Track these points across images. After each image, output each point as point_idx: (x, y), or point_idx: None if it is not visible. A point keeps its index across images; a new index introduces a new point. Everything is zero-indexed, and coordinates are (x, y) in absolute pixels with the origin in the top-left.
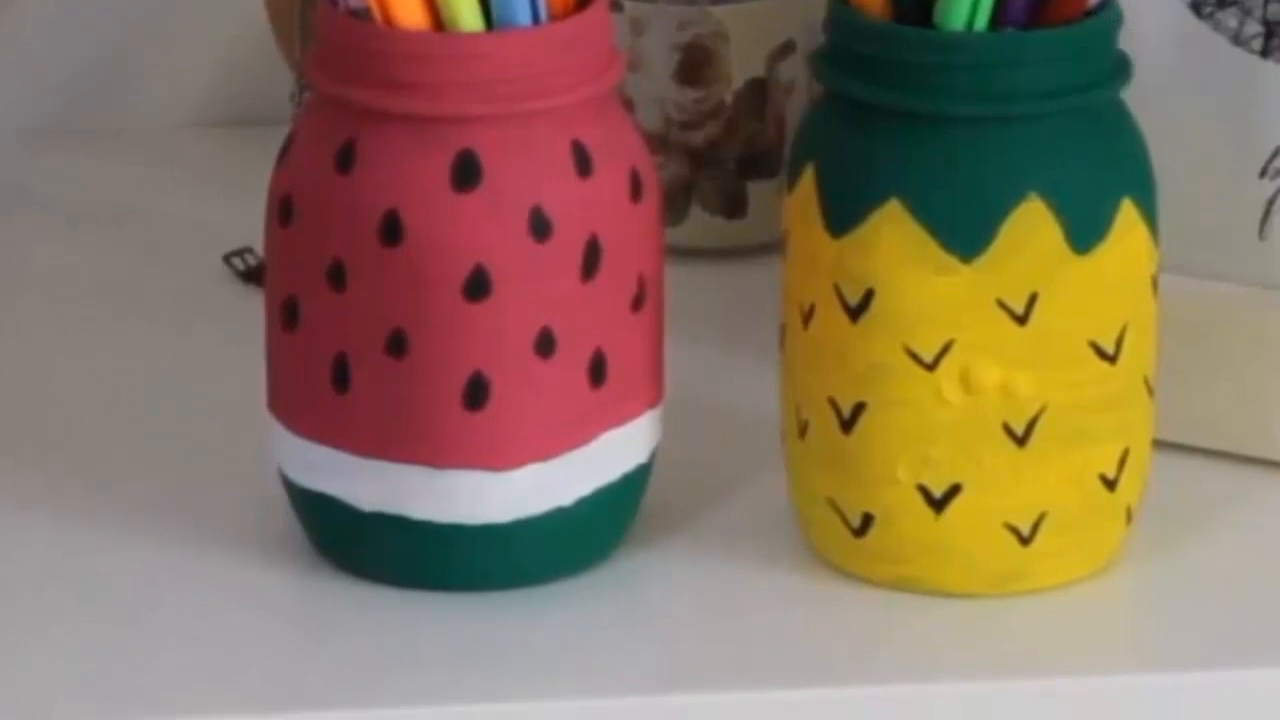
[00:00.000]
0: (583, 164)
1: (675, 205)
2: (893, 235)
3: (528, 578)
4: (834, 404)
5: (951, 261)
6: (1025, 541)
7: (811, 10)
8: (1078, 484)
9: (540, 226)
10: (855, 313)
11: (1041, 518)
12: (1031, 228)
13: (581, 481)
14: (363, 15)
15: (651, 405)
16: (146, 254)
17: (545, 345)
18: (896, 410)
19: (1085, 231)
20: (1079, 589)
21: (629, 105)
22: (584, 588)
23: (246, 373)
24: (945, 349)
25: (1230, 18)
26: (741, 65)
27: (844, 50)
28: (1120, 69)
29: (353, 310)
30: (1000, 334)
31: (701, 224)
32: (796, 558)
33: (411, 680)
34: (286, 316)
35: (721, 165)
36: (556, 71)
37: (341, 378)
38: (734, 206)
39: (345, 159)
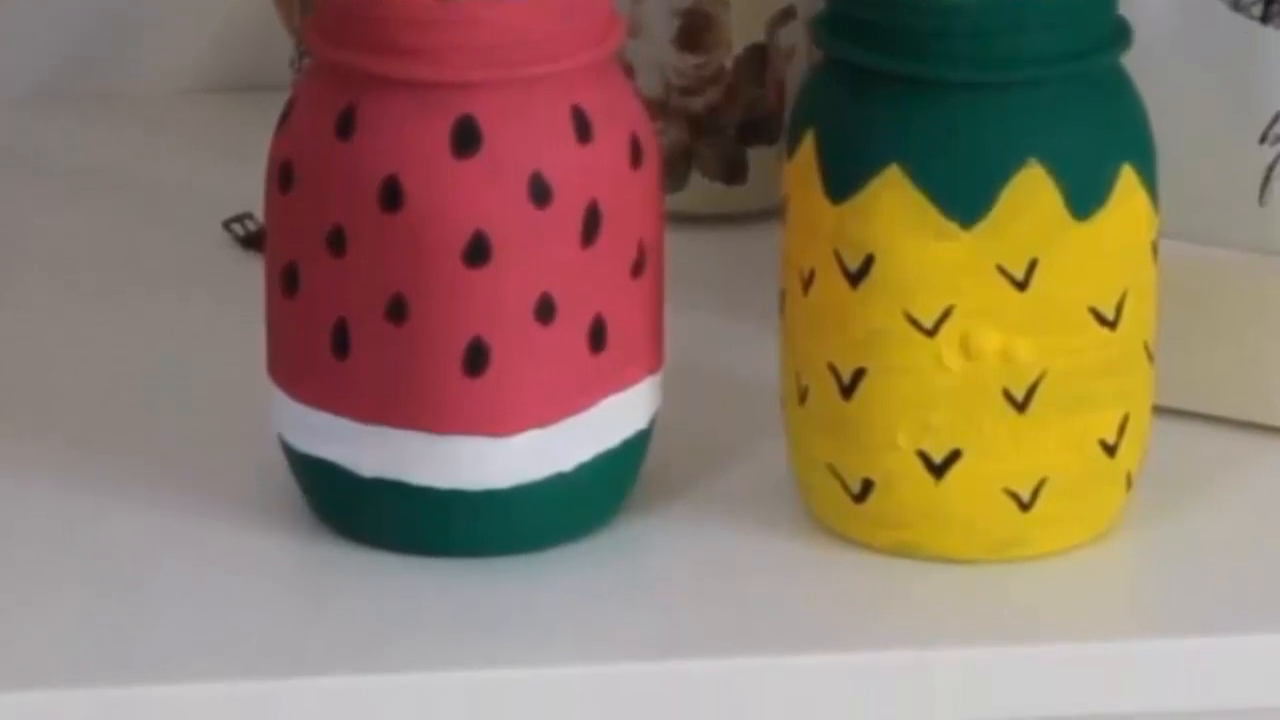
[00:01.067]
0: (583, 130)
1: (675, 171)
2: (893, 201)
3: (528, 544)
4: (834, 370)
5: (951, 227)
6: (1025, 507)
7: None
8: (1078, 450)
9: (540, 192)
10: (855, 278)
11: (1041, 483)
12: (1031, 194)
13: (581, 447)
14: None
15: (651, 371)
16: (146, 220)
17: (545, 311)
18: (896, 376)
19: (1085, 197)
20: (1079, 554)
21: (629, 71)
22: (584, 554)
23: (246, 339)
24: (945, 315)
25: None
26: (742, 31)
27: (844, 16)
28: (1120, 35)
29: (353, 276)
30: (1000, 300)
31: (701, 190)
32: (796, 524)
33: (411, 646)
34: (286, 282)
35: (721, 131)
36: (556, 37)
37: (341, 344)
38: (734, 172)
39: (345, 125)
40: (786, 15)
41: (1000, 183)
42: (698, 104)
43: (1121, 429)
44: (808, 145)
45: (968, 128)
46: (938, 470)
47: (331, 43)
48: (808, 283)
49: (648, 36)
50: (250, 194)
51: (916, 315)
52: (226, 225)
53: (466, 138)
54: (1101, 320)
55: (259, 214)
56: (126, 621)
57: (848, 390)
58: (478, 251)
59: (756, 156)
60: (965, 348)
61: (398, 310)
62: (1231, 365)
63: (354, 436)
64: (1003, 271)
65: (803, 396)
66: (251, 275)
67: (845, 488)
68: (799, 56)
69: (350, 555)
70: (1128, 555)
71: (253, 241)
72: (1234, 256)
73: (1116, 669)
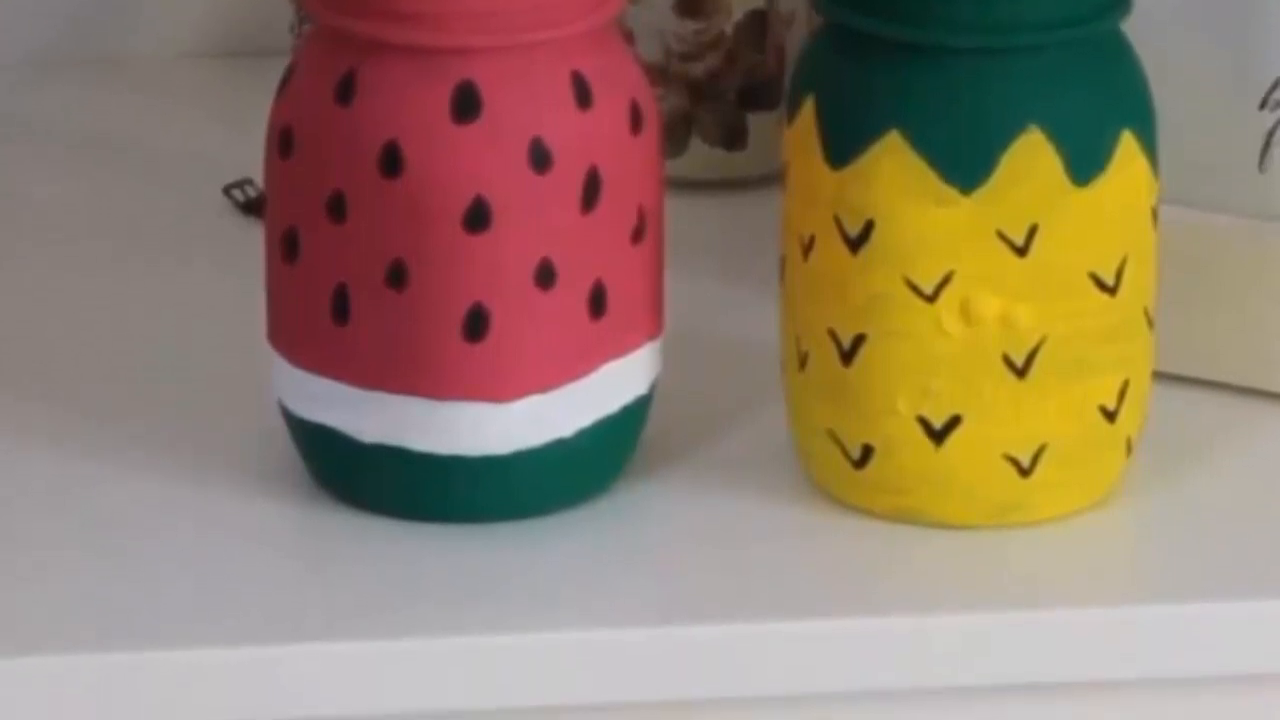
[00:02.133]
0: (583, 95)
1: (675, 137)
2: (893, 167)
3: (528, 509)
4: (834, 335)
5: (951, 193)
6: (1025, 473)
7: None
8: (1078, 415)
9: (540, 158)
10: (855, 244)
11: (1041, 449)
12: (1031, 159)
13: (581, 413)
14: None
15: (651, 337)
16: (146, 186)
17: (545, 277)
18: (896, 342)
19: (1085, 163)
20: (1079, 520)
21: (629, 37)
22: (584, 519)
23: (246, 305)
24: (945, 280)
25: None
26: None
27: None
28: (1120, 1)
29: (353, 242)
30: (1000, 265)
31: (701, 155)
32: (796, 489)
33: (411, 612)
34: (286, 248)
35: (721, 97)
36: (556, 3)
37: (341, 309)
38: (734, 138)
39: (345, 90)
40: None
41: (1000, 148)
42: (698, 70)
43: (1121, 395)
44: (807, 111)
45: (968, 93)
46: (938, 436)
47: (331, 8)
48: (808, 248)
49: (648, 2)
50: (250, 160)
51: (916, 281)
52: (226, 191)
53: (466, 103)
54: (1102, 286)
55: (259, 180)
56: (126, 588)
57: (848, 356)
58: (478, 217)
59: (756, 122)
60: (965, 313)
61: (398, 276)
62: (1231, 331)
63: (354, 402)
64: (1003, 237)
65: (803, 362)
66: (251, 241)
67: (845, 453)
68: (799, 22)
69: (350, 521)
70: (1127, 521)
71: (253, 207)
72: (1234, 222)
73: (1116, 635)
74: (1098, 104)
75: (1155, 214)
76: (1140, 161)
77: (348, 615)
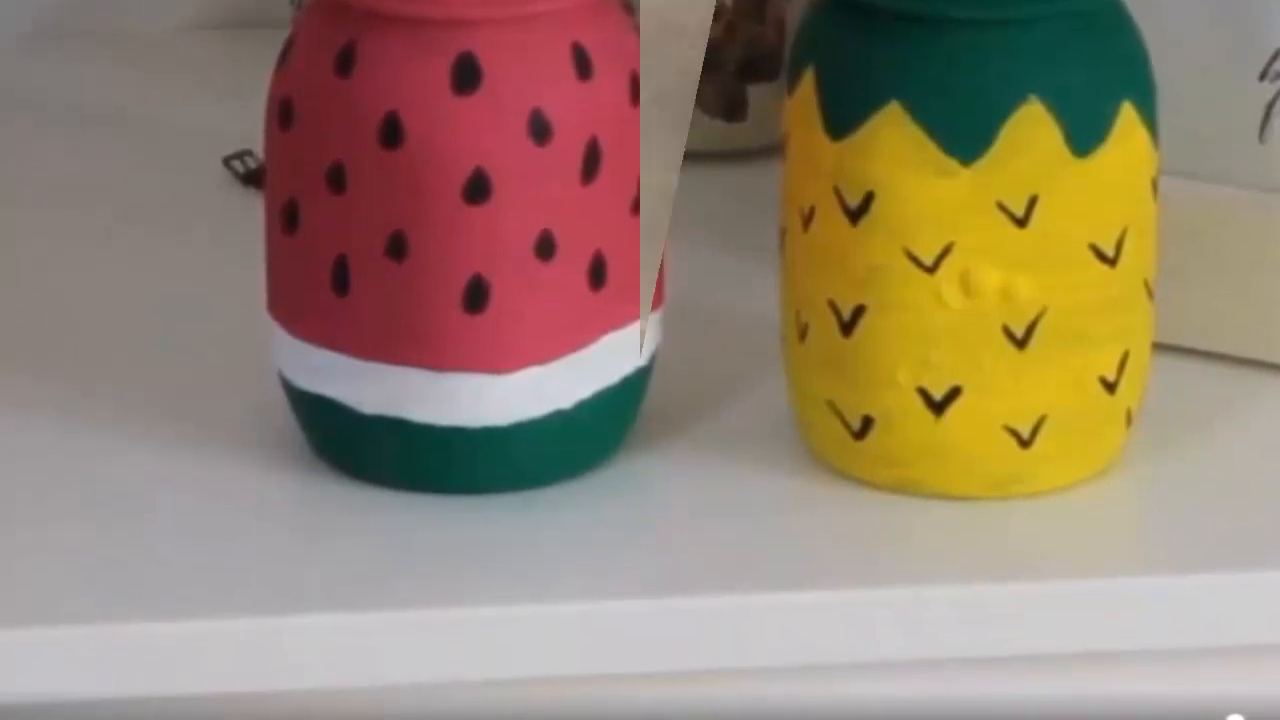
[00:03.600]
0: (583, 67)
1: None
2: (893, 138)
3: (527, 481)
4: (834, 307)
5: (952, 164)
6: (1025, 444)
7: None
8: (1078, 387)
9: (540, 129)
10: (855, 215)
11: (1041, 420)
12: (1031, 130)
13: (581, 384)
14: None
15: (651, 308)
16: (146, 157)
17: (545, 248)
18: (896, 313)
19: (1085, 134)
20: (1079, 492)
21: (629, 8)
22: (584, 491)
23: (246, 276)
24: (945, 252)
25: None
26: None
27: None
28: None
29: (353, 213)
30: (1000, 237)
31: (702, 127)
32: (796, 461)
33: (410, 583)
34: (286, 219)
35: (722, 68)
36: None
37: (341, 280)
38: (734, 109)
39: (345, 62)
40: None
41: (1000, 120)
42: None
43: (1121, 366)
44: (807, 82)
45: (968, 64)
46: (938, 407)
47: None
48: (808, 220)
49: None
50: (250, 131)
51: (916, 252)
52: (227, 162)
53: (466, 75)
54: (1102, 257)
55: (259, 151)
56: (126, 559)
57: (848, 327)
58: (478, 189)
59: (756, 93)
60: (965, 285)
61: (398, 247)
62: (1231, 302)
63: (354, 373)
64: (1003, 208)
65: (803, 334)
66: (251, 212)
67: (845, 425)
68: None
69: (350, 492)
70: (1127, 493)
71: (253, 178)
72: (1234, 194)
73: (1115, 606)
74: (1098, 75)
75: (1155, 185)
76: (1140, 133)
77: (347, 586)
